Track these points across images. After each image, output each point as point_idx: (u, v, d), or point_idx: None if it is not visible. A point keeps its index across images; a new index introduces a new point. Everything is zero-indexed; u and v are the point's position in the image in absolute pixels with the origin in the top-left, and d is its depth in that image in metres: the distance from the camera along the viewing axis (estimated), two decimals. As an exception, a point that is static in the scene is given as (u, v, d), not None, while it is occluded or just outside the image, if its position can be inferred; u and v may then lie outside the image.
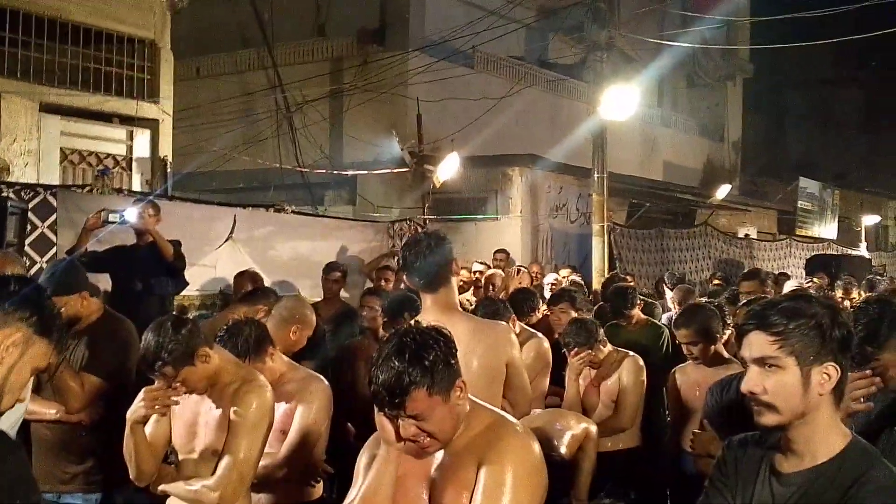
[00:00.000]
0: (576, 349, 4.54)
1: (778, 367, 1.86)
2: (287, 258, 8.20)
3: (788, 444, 1.92)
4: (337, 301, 6.78)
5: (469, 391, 2.21)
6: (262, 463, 3.21)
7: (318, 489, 3.49)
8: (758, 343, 1.88)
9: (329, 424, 3.48)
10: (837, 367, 1.86)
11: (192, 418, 2.98)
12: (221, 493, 2.81)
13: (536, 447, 2.11)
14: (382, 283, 7.16)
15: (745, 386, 1.88)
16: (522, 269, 8.88)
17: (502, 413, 2.25)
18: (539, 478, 2.01)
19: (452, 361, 2.07)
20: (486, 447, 2.08)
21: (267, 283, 6.40)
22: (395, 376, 1.96)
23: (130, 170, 10.27)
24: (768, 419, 1.88)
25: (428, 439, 2.06)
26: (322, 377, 3.50)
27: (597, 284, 9.60)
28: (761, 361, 1.88)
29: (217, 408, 2.93)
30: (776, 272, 10.75)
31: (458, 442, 2.13)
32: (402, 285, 7.04)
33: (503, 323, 3.55)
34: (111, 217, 5.76)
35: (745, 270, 7.92)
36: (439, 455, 2.16)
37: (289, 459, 3.25)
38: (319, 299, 6.84)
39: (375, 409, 2.08)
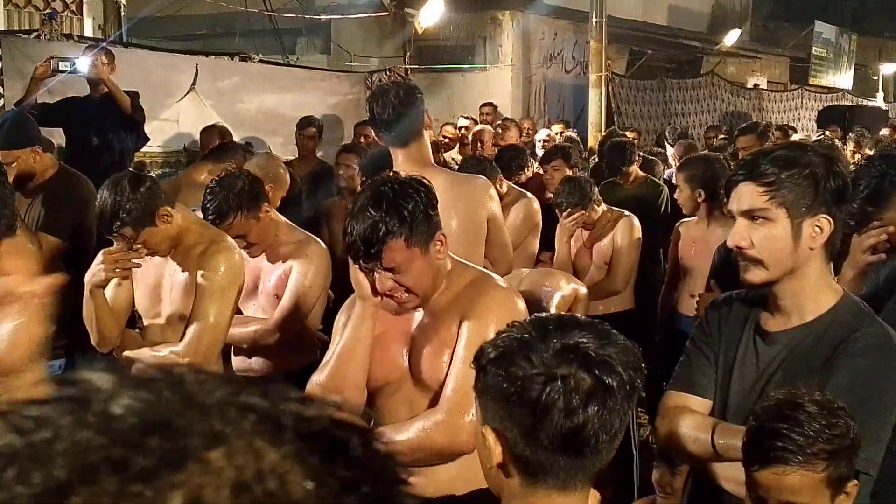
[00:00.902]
0: (568, 209, 4.56)
1: (767, 220, 1.86)
2: (255, 112, 8.11)
3: (776, 301, 1.95)
4: (312, 159, 6.75)
5: (450, 248, 2.23)
6: (253, 328, 3.31)
7: (312, 356, 3.54)
8: (747, 194, 1.88)
9: (326, 291, 3.52)
10: (830, 219, 1.86)
11: (155, 281, 3.00)
12: (191, 359, 2.86)
13: (521, 303, 2.17)
14: (361, 139, 7.10)
15: (732, 240, 1.90)
16: (511, 123, 8.78)
17: (485, 270, 2.30)
18: None
19: (432, 213, 2.10)
20: (467, 303, 2.14)
21: (235, 139, 6.34)
22: (370, 226, 1.99)
23: (81, 14, 9.94)
24: (755, 275, 1.90)
25: (405, 294, 2.10)
26: (319, 240, 3.53)
27: (593, 141, 9.56)
28: (749, 214, 1.88)
29: (182, 271, 2.94)
30: (782, 125, 10.69)
31: (439, 300, 2.18)
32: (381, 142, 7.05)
33: (481, 177, 3.56)
34: (61, 65, 5.60)
35: (744, 124, 7.87)
36: (420, 314, 2.22)
37: (282, 325, 3.31)
38: (293, 157, 6.79)
39: (351, 263, 2.11)
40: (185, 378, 0.48)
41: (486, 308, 2.11)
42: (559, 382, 1.27)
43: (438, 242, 2.12)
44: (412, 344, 2.21)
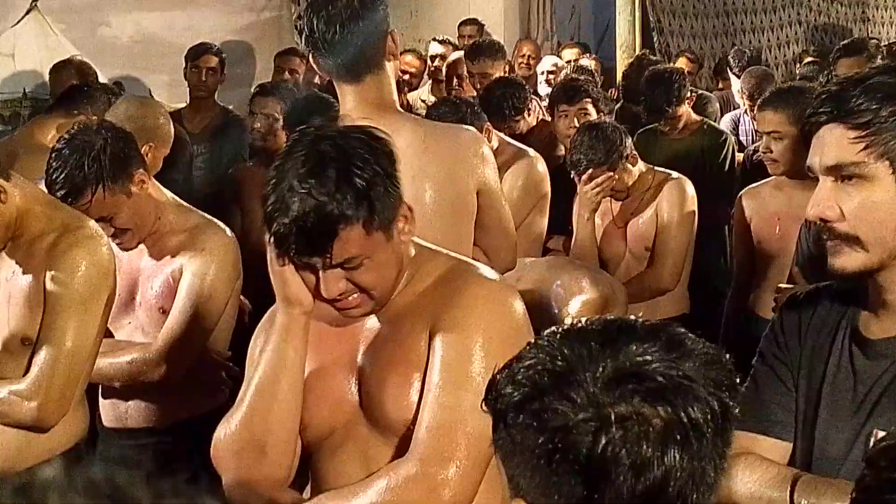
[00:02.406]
0: (590, 171, 4.58)
1: (862, 179, 1.87)
2: (128, 40, 8.11)
3: (880, 296, 1.96)
4: (211, 106, 6.75)
5: (420, 231, 2.25)
6: (128, 357, 3.31)
7: (221, 397, 3.55)
8: (833, 142, 1.88)
9: (236, 300, 3.55)
10: None
11: (-17, 290, 3.00)
12: (41, 401, 2.86)
13: (515, 300, 2.20)
14: (287, 75, 7.09)
15: (813, 209, 1.91)
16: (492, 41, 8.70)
17: (462, 257, 2.32)
18: (521, 341, 2.05)
19: (395, 178, 2.11)
20: (440, 306, 2.15)
21: (101, 78, 6.34)
22: (314, 208, 1.99)
23: None
24: (848, 259, 1.90)
25: (359, 296, 2.12)
26: (223, 225, 3.53)
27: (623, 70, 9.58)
28: (837, 170, 1.88)
29: (24, 273, 2.94)
30: (892, 42, 10.73)
31: (396, 303, 2.20)
32: (317, 79, 7.04)
33: (469, 128, 3.57)
34: None
35: (846, 41, 7.89)
36: (370, 325, 2.24)
37: (171, 352, 3.31)
38: (183, 104, 6.78)
39: (274, 260, 2.12)
40: None
41: (466, 311, 2.13)
42: (616, 427, 1.25)
43: (403, 219, 2.15)
44: (363, 370, 2.22)
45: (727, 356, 1.34)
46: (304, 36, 3.23)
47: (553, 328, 1.39)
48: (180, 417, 3.46)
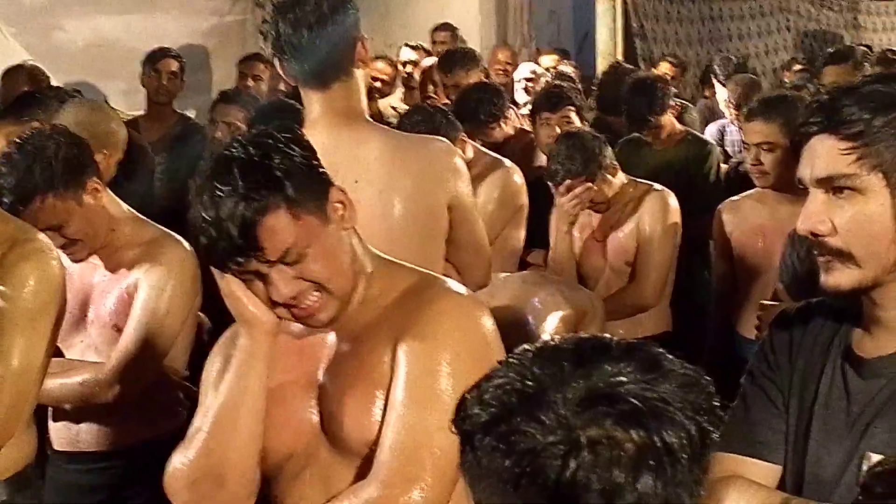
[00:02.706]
0: (567, 181, 4.57)
1: (855, 191, 1.86)
2: (84, 44, 8.10)
3: (873, 313, 1.96)
4: (169, 115, 6.72)
5: (388, 246, 2.23)
6: (79, 378, 3.30)
7: (178, 419, 3.52)
8: (824, 153, 1.87)
9: (194, 315, 3.53)
10: None
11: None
12: None
13: (484, 316, 2.18)
14: (250, 82, 7.09)
15: (804, 223, 1.90)
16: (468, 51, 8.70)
17: (426, 271, 2.31)
18: (491, 358, 2.00)
19: (315, 163, 2.11)
20: (403, 320, 2.14)
21: (54, 84, 6.30)
22: (229, 207, 1.98)
23: None
24: (841, 276, 1.90)
25: (316, 295, 2.09)
26: (181, 239, 3.50)
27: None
28: (829, 183, 1.88)
29: (-32, 288, 2.91)
30: (886, 50, 10.80)
31: (358, 318, 2.18)
32: (282, 86, 7.03)
33: (440, 139, 3.56)
34: None
35: (833, 48, 7.94)
36: (329, 344, 2.22)
37: (125, 373, 3.29)
38: (140, 112, 6.76)
39: (219, 277, 2.12)
40: None
41: (432, 326, 2.11)
42: (587, 451, 1.23)
43: (338, 204, 2.13)
44: (323, 391, 2.20)
45: (707, 378, 1.31)
46: (270, 40, 3.24)
47: (525, 346, 1.37)
48: (136, 440, 3.44)
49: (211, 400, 2.21)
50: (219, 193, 1.98)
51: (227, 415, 2.17)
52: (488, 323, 2.17)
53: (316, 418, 2.20)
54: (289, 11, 3.11)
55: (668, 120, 5.99)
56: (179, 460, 2.20)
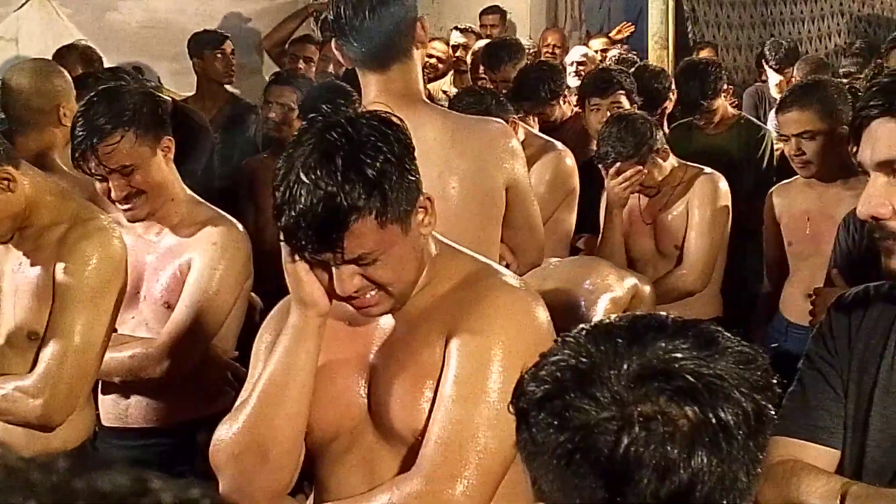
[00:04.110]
0: (618, 164, 4.57)
1: None
2: (137, 25, 8.12)
3: None
4: (220, 95, 6.77)
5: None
6: (129, 353, 3.32)
7: (226, 398, 3.53)
8: (885, 136, 1.88)
9: (244, 297, 3.55)
10: None
11: (-12, 283, 3.00)
12: (47, 398, 2.87)
13: (539, 310, 2.17)
14: (301, 64, 7.10)
15: (865, 206, 1.90)
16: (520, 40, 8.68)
17: (486, 260, 2.29)
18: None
19: (410, 167, 2.08)
20: (458, 311, 2.13)
21: (107, 65, 6.36)
22: (323, 200, 1.96)
23: None
24: None
25: (377, 293, 2.10)
26: (234, 220, 3.54)
27: (656, 64, 9.54)
28: (889, 166, 1.89)
29: (32, 264, 2.95)
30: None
31: (414, 303, 2.18)
32: (331, 67, 7.05)
33: (499, 121, 3.57)
34: None
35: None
36: (383, 327, 2.22)
37: (174, 349, 3.32)
38: (191, 93, 6.80)
39: (285, 255, 2.11)
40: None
41: (486, 320, 2.10)
42: (640, 427, 1.24)
43: (423, 210, 2.12)
44: (373, 374, 2.20)
45: (764, 356, 1.31)
46: (329, 22, 3.24)
47: (582, 326, 1.37)
48: (184, 418, 3.45)
49: (259, 374, 2.22)
50: (315, 181, 1.95)
51: (275, 389, 2.17)
52: (542, 316, 2.16)
53: (364, 400, 2.20)
54: None
55: (721, 104, 5.94)
56: (224, 432, 2.20)
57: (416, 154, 2.95)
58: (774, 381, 1.31)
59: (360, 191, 1.97)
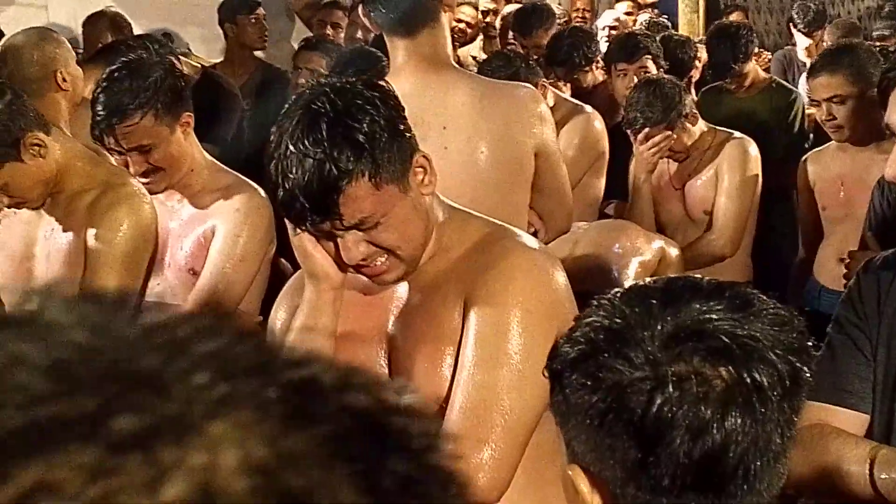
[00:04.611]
0: (646, 130, 4.56)
1: None
2: (166, -9, 8.08)
3: None
4: (250, 61, 6.75)
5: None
6: None
7: None
8: None
9: (268, 262, 3.56)
10: None
11: (21, 249, 3.04)
12: None
13: (557, 271, 2.16)
14: (329, 30, 7.09)
15: (893, 169, 1.91)
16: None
17: (499, 223, 2.28)
18: (563, 314, 2.02)
19: (401, 126, 2.07)
20: (474, 275, 2.12)
21: (136, 31, 6.35)
22: (313, 168, 1.95)
23: None
24: None
25: (386, 259, 2.09)
26: (257, 186, 3.52)
27: (687, 28, 9.49)
28: None
29: (64, 230, 2.97)
30: None
31: (429, 270, 2.17)
32: (360, 33, 7.04)
33: (528, 86, 3.56)
34: None
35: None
36: (399, 295, 2.21)
37: None
38: (219, 60, 6.80)
39: (291, 231, 2.11)
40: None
41: (504, 283, 2.09)
42: (673, 387, 1.23)
43: (420, 169, 2.10)
44: (392, 344, 2.20)
45: (800, 318, 1.30)
46: None
47: (617, 289, 1.37)
48: None
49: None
50: (303, 151, 1.95)
51: None
52: (561, 278, 2.14)
53: (385, 370, 2.19)
54: None
55: (752, 67, 5.90)
56: None
57: (443, 117, 2.94)
58: (810, 344, 1.31)
59: (348, 154, 1.96)
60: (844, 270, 3.82)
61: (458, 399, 2.06)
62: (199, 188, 3.42)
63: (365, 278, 2.15)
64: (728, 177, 4.62)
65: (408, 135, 2.08)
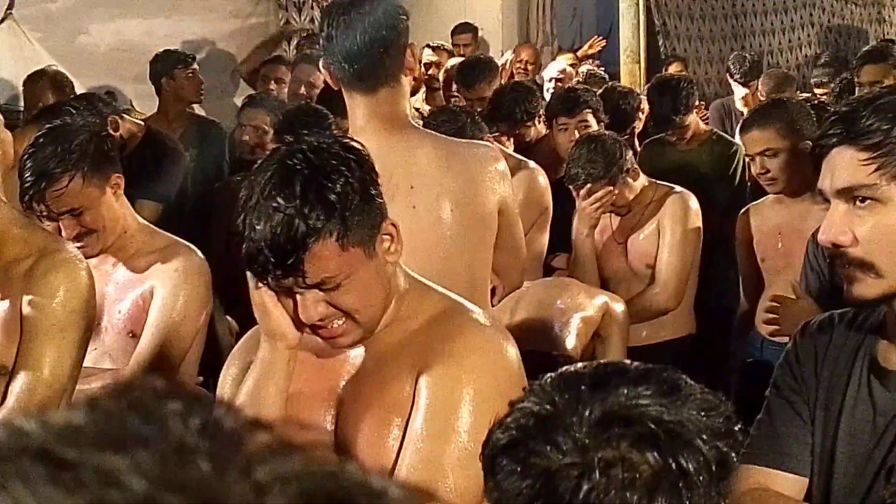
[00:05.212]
0: (589, 185, 4.58)
1: (876, 201, 1.88)
2: (107, 48, 8.10)
3: None
4: (184, 114, 6.67)
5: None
6: (95, 386, 3.25)
7: None
8: (844, 164, 1.89)
9: (206, 323, 3.54)
10: None
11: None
12: None
13: (510, 348, 2.15)
14: (272, 85, 7.10)
15: (826, 234, 1.92)
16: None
17: (457, 298, 2.27)
18: (514, 392, 2.02)
19: (373, 191, 2.07)
20: (428, 348, 2.11)
21: (78, 88, 6.35)
22: (283, 223, 1.95)
23: None
24: (864, 287, 1.91)
25: (343, 322, 2.08)
26: (193, 248, 3.54)
27: (628, 78, 9.57)
28: (849, 193, 1.90)
29: (1, 298, 2.93)
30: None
31: (384, 338, 2.16)
32: (303, 89, 7.05)
33: (487, 144, 3.57)
34: None
35: (870, 46, 7.88)
36: (352, 360, 2.19)
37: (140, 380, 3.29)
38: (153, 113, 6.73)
39: (252, 285, 2.09)
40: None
41: (457, 357, 2.09)
42: (600, 473, 1.23)
43: (388, 237, 2.10)
44: (341, 408, 2.18)
45: (727, 403, 1.31)
46: (319, 42, 3.21)
47: (549, 373, 1.37)
48: None
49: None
50: (273, 206, 1.95)
51: None
52: (513, 355, 2.14)
53: (330, 437, 2.16)
54: (342, 14, 3.08)
55: (693, 119, 5.95)
56: None
57: (410, 176, 2.93)
58: (738, 428, 1.31)
59: (319, 213, 1.96)
60: (773, 316, 3.87)
61: (404, 472, 2.05)
62: (133, 251, 3.42)
63: (320, 341, 2.14)
64: (670, 231, 4.65)
65: (379, 200, 2.08)
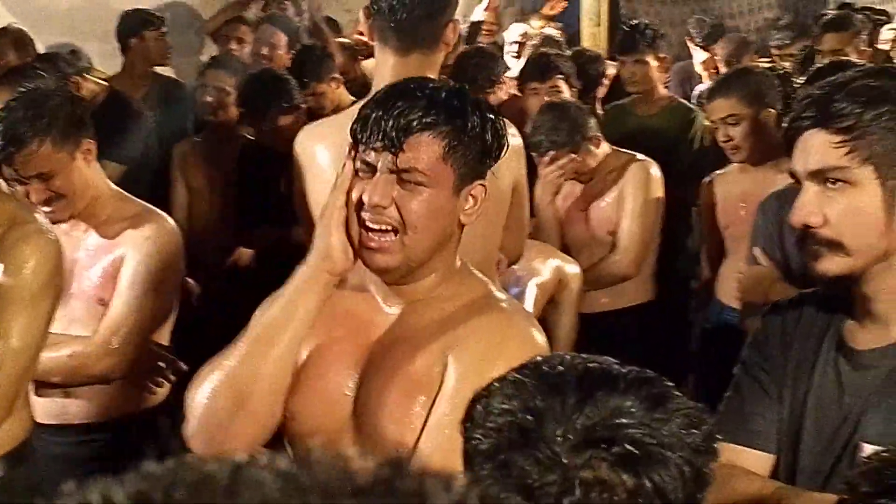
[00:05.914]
0: (551, 153, 4.59)
1: (847, 184, 1.91)
2: (68, 6, 7.99)
3: (865, 304, 2.00)
4: (147, 74, 6.61)
5: (471, 226, 2.24)
6: (67, 351, 3.32)
7: (161, 394, 3.55)
8: (816, 147, 1.92)
9: (178, 289, 3.56)
10: None
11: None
12: None
13: (540, 337, 2.18)
14: (234, 45, 7.03)
15: (797, 215, 1.94)
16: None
17: (494, 289, 2.28)
18: None
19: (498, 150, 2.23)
20: (462, 333, 2.12)
21: (39, 47, 6.32)
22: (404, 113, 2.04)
23: None
24: (832, 264, 1.94)
25: (395, 238, 2.09)
26: (165, 215, 3.54)
27: (589, 41, 9.52)
28: (821, 175, 1.92)
29: (-32, 270, 2.92)
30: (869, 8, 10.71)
31: (421, 313, 2.17)
32: (265, 50, 6.97)
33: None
34: None
35: (831, 14, 7.85)
36: (387, 327, 2.19)
37: (113, 345, 3.31)
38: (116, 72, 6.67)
39: (332, 200, 2.13)
40: None
41: (490, 345, 2.10)
42: (581, 494, 1.25)
43: (472, 197, 2.18)
44: (365, 375, 2.16)
45: (710, 418, 1.34)
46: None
47: (536, 362, 1.38)
48: (123, 412, 3.46)
49: (257, 318, 2.17)
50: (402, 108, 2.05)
51: (269, 332, 2.12)
52: (543, 343, 2.16)
53: (350, 400, 2.16)
54: None
55: (656, 86, 5.97)
56: (208, 367, 2.15)
57: None
58: (716, 445, 1.33)
59: (452, 122, 2.10)
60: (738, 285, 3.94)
61: (423, 452, 2.04)
62: (104, 217, 3.40)
63: (358, 302, 2.17)
64: (632, 199, 4.67)
65: (487, 160, 2.18)
